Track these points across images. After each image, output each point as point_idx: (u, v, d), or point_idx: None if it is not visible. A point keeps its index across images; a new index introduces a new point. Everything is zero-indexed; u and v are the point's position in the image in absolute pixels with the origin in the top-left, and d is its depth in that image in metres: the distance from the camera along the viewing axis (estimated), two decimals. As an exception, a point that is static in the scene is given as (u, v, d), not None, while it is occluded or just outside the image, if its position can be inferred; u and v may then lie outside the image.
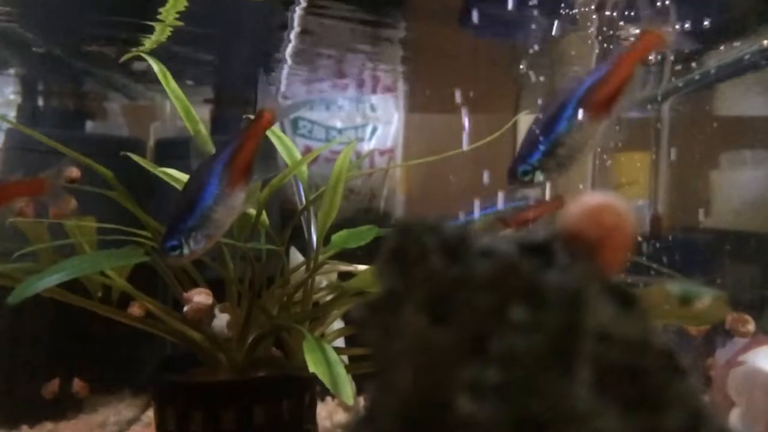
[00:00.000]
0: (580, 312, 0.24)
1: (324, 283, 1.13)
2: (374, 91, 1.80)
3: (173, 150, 1.38)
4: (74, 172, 0.81)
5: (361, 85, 1.76)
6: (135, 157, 0.99)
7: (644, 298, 0.28)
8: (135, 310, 0.84)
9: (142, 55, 1.05)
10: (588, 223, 0.29)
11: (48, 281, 0.68)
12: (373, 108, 1.93)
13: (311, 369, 0.70)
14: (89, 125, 1.58)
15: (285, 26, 1.20)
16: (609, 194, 0.30)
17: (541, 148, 0.58)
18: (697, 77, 1.22)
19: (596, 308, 0.25)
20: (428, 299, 0.27)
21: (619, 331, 0.25)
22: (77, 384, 1.12)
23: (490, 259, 0.28)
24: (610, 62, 0.59)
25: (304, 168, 1.01)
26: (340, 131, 1.92)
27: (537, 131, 0.59)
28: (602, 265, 0.30)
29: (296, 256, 1.23)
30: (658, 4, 0.86)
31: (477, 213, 0.77)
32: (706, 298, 0.41)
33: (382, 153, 1.95)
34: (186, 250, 0.71)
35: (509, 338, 0.25)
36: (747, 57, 1.04)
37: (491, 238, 0.32)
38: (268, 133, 1.07)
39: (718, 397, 1.25)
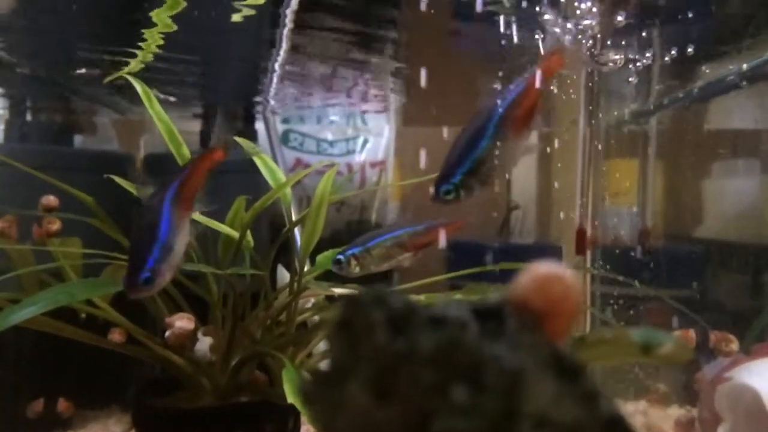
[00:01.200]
0: (518, 396, 0.25)
1: (311, 302, 1.13)
2: (365, 104, 1.80)
3: (162, 165, 1.38)
4: (52, 201, 0.81)
5: (351, 98, 1.76)
6: (117, 179, 0.99)
7: (585, 370, 0.28)
8: (116, 336, 0.84)
9: (126, 76, 1.05)
10: (535, 293, 0.30)
11: (22, 314, 0.68)
12: (364, 121, 1.93)
13: (289, 399, 0.70)
14: (78, 139, 1.58)
15: (273, 43, 1.21)
16: (556, 264, 0.30)
17: (463, 167, 0.59)
18: (681, 95, 1.23)
19: (536, 390, 0.25)
20: (374, 375, 0.27)
21: (558, 414, 0.25)
22: (62, 404, 1.12)
23: (434, 332, 0.28)
24: (521, 83, 0.61)
25: (288, 191, 1.01)
26: (331, 143, 1.92)
27: (459, 151, 0.60)
28: (550, 334, 0.30)
29: (283, 274, 1.23)
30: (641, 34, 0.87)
31: (377, 239, 0.79)
32: (668, 344, 0.41)
33: (373, 165, 1.96)
34: (157, 283, 0.71)
35: (450, 419, 0.25)
36: (730, 78, 1.05)
37: (444, 304, 0.33)
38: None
39: (705, 413, 1.25)
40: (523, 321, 0.30)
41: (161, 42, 1.06)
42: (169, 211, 0.71)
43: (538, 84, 0.61)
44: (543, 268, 0.30)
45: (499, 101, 0.61)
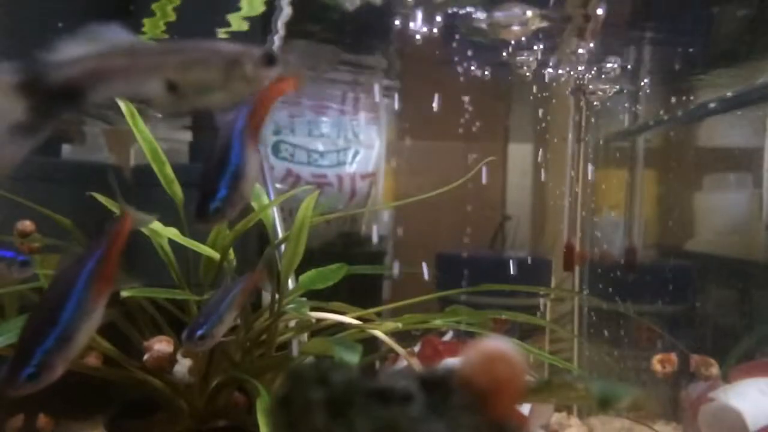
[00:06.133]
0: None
1: (294, 322, 1.13)
2: (356, 116, 1.81)
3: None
4: (28, 226, 0.81)
5: (343, 110, 1.76)
6: (99, 197, 0.98)
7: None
8: (91, 360, 0.83)
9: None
10: (480, 372, 0.29)
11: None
12: (355, 133, 1.93)
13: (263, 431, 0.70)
14: (67, 149, 1.58)
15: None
16: (503, 343, 0.30)
17: (226, 182, 0.59)
18: (665, 118, 1.24)
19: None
20: (312, 457, 0.27)
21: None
22: (41, 419, 1.11)
23: (375, 411, 0.28)
24: (253, 99, 0.61)
25: (269, 212, 1.01)
26: (321, 154, 1.92)
27: (216, 167, 0.60)
28: (494, 411, 0.30)
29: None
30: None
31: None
32: (625, 399, 0.41)
33: (363, 177, 1.95)
34: (43, 380, 0.56)
35: None
36: (711, 105, 1.06)
37: (393, 374, 0.33)
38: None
39: None
40: (468, 396, 0.30)
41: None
42: (81, 292, 0.58)
43: (267, 102, 0.61)
44: (489, 346, 0.30)
45: (235, 115, 0.61)
